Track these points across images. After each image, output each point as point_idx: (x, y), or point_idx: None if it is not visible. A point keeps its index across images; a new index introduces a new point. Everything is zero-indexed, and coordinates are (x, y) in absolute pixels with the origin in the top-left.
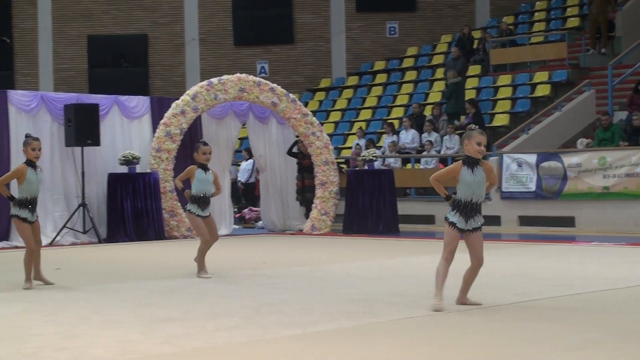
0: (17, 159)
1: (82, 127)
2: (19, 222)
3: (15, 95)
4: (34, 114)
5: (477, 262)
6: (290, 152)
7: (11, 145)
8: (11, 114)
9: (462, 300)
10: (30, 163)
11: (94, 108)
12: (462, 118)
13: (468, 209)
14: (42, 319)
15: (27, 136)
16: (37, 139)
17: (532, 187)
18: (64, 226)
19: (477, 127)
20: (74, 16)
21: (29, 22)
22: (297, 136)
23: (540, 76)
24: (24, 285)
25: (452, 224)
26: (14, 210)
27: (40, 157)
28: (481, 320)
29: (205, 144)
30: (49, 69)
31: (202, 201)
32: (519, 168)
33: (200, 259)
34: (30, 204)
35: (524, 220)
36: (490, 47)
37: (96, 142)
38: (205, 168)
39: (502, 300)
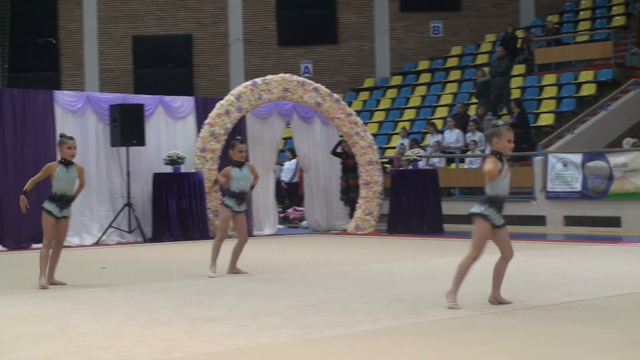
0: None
1: (128, 127)
2: (44, 214)
3: (61, 96)
4: (80, 114)
5: (510, 253)
6: (334, 152)
7: (57, 145)
8: (57, 115)
9: (497, 298)
10: (64, 161)
11: (139, 108)
12: (506, 117)
13: (501, 205)
14: (88, 317)
15: (61, 136)
16: (72, 138)
17: (578, 187)
18: (110, 226)
19: (502, 123)
20: (119, 17)
21: (75, 23)
22: (341, 136)
23: (586, 75)
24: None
25: (490, 221)
26: (44, 203)
27: (75, 156)
28: (526, 321)
29: (242, 141)
30: (95, 69)
31: (240, 197)
32: (564, 168)
33: (213, 259)
34: (59, 199)
35: (570, 221)
36: (535, 47)
37: (141, 142)
38: (240, 165)
39: (548, 301)
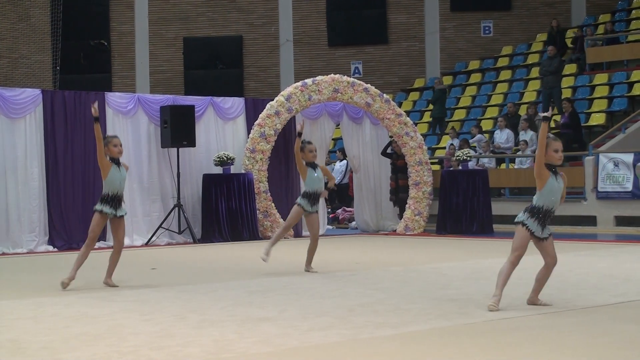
0: None
1: (178, 129)
2: (96, 214)
3: (113, 97)
4: (131, 116)
5: (552, 261)
6: (384, 153)
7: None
8: (108, 116)
9: (534, 300)
10: (114, 160)
11: (190, 109)
12: (557, 117)
13: (546, 217)
14: (139, 318)
15: (105, 137)
16: (116, 137)
17: (629, 186)
18: (160, 226)
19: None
20: (170, 19)
21: (127, 25)
22: (391, 136)
23: (638, 74)
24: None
25: (529, 230)
26: (98, 206)
27: (122, 153)
28: (577, 322)
29: (310, 142)
30: (146, 71)
31: (314, 197)
32: (615, 167)
33: (270, 243)
34: (112, 200)
35: (621, 221)
36: (588, 45)
37: (192, 143)
38: (313, 166)
39: (600, 302)
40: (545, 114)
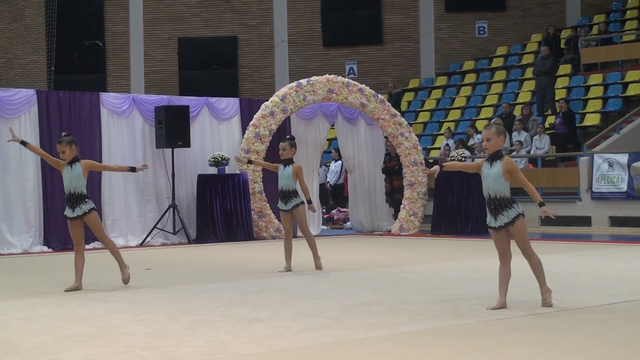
0: (107, 160)
1: (173, 129)
2: (68, 220)
3: (107, 98)
4: (126, 116)
5: (504, 257)
6: (384, 170)
7: (103, 147)
8: (103, 116)
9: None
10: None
11: (185, 110)
12: (552, 118)
13: (491, 205)
14: (132, 318)
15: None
16: (60, 142)
17: (624, 187)
18: (155, 227)
19: (494, 121)
20: (165, 19)
21: (121, 25)
22: (387, 139)
23: (632, 75)
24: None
25: (487, 225)
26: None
27: (67, 160)
28: (571, 322)
29: (284, 140)
30: (140, 71)
31: (282, 194)
32: (610, 168)
33: (286, 259)
34: (68, 200)
35: (615, 221)
36: (582, 46)
37: (186, 143)
38: (285, 163)
39: (593, 302)
40: (436, 169)
